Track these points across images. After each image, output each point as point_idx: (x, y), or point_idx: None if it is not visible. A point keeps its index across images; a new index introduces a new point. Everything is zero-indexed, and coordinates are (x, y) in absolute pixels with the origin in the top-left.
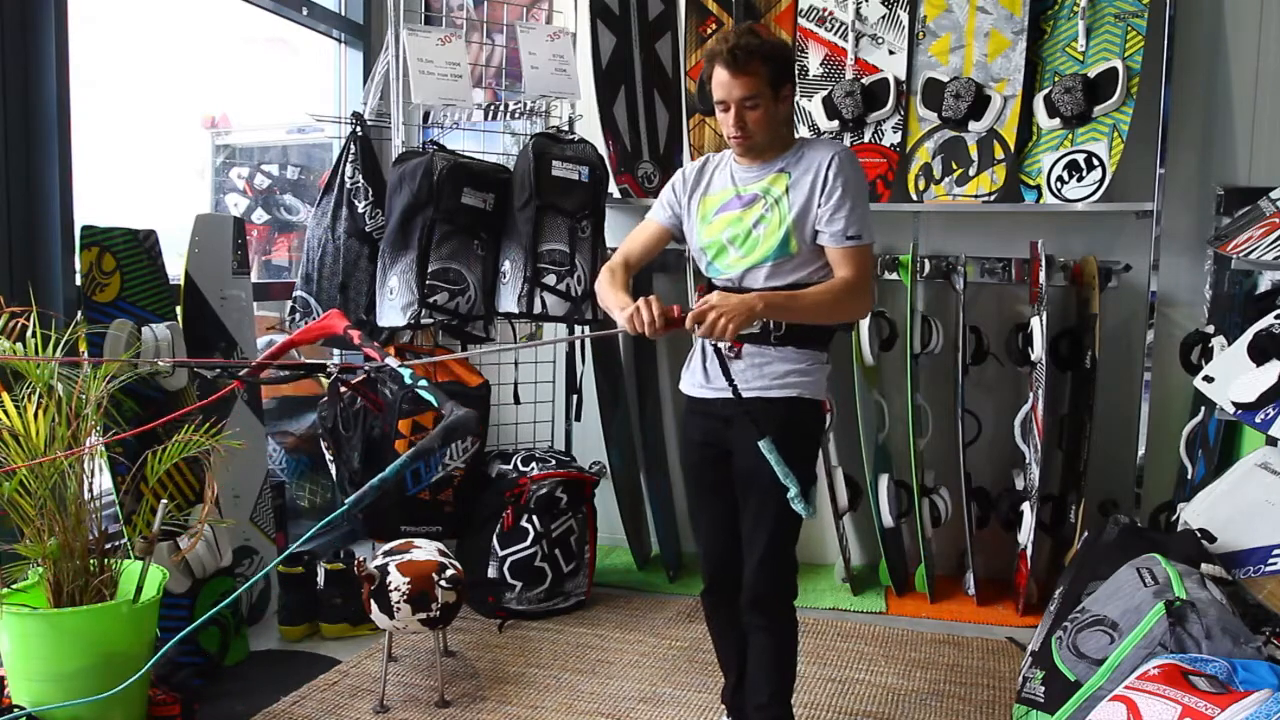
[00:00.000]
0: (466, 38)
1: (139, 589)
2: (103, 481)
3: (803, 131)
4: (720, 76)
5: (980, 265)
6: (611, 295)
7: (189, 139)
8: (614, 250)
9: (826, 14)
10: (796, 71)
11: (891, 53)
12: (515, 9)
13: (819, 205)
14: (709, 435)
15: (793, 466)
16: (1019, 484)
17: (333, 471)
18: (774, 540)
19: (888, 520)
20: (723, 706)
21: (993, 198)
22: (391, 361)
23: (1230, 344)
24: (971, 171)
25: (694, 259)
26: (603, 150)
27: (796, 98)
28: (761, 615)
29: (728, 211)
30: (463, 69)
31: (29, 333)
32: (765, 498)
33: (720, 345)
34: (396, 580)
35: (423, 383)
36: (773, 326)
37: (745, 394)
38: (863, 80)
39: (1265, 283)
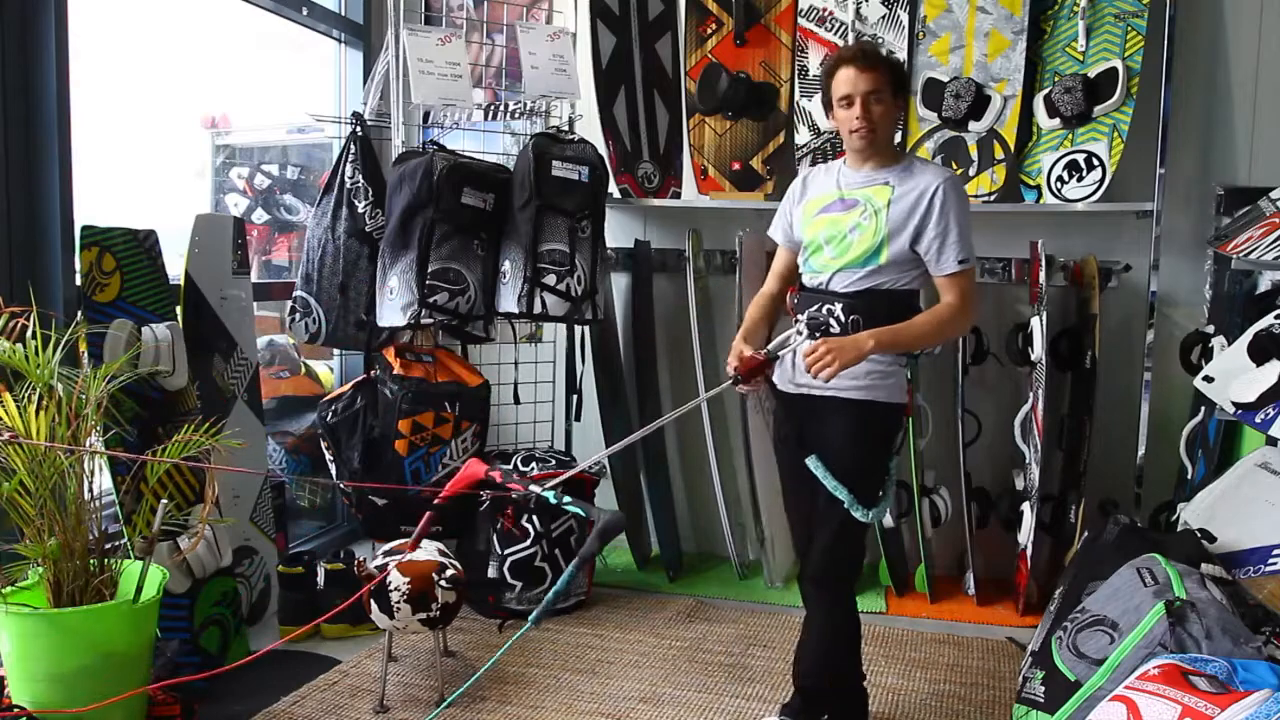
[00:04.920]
0: (466, 38)
1: (139, 589)
2: (103, 481)
3: (802, 132)
4: (846, 74)
5: (980, 265)
6: (741, 331)
7: (189, 139)
8: (614, 251)
9: (826, 14)
10: (803, 73)
11: (892, 53)
12: (515, 9)
13: (922, 232)
14: (791, 425)
15: (862, 467)
16: (1019, 484)
17: (333, 471)
18: (841, 528)
19: (888, 520)
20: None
21: (993, 198)
22: (534, 488)
23: (1230, 344)
24: (971, 171)
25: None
26: (603, 150)
27: (798, 98)
28: (820, 590)
29: (829, 213)
30: (463, 69)
31: (29, 333)
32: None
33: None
34: (396, 580)
35: (567, 499)
36: (851, 328)
37: (821, 392)
38: None
39: (1265, 283)
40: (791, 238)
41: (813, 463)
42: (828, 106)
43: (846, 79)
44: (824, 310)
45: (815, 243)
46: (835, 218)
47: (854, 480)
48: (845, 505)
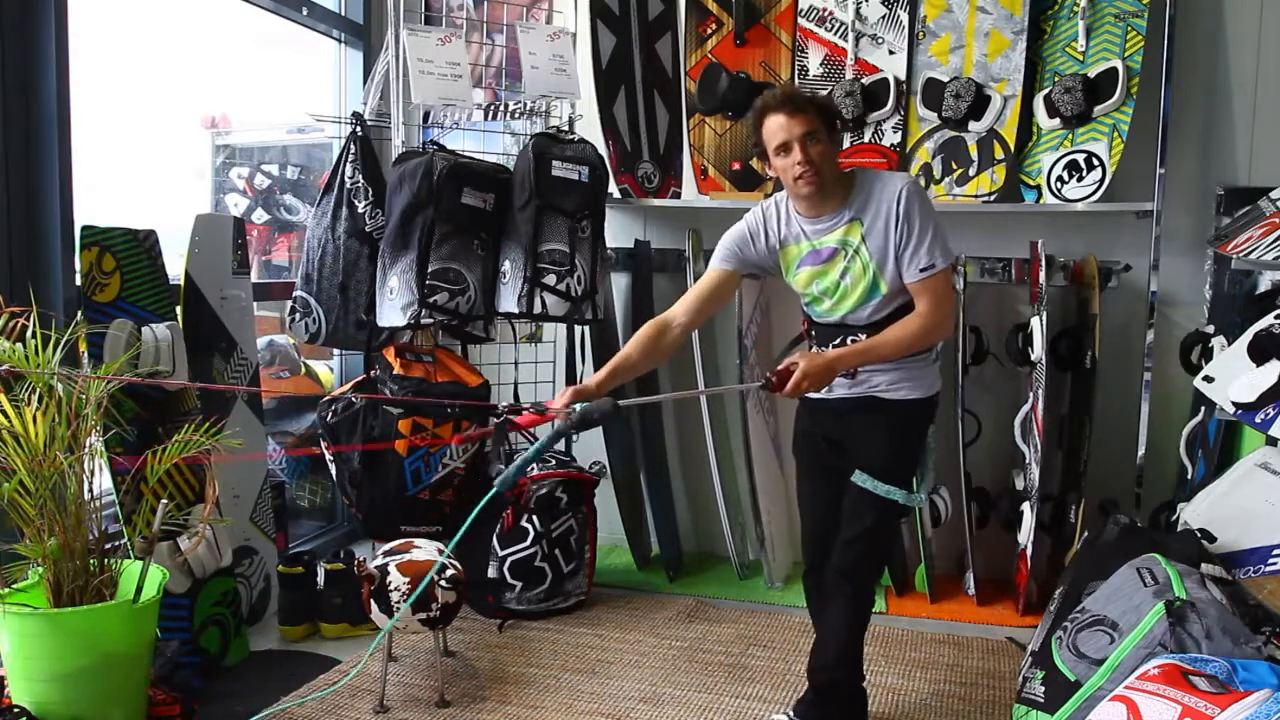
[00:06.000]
0: (466, 38)
1: (139, 589)
2: (103, 481)
3: None
4: (777, 121)
5: (980, 265)
6: (609, 366)
7: (189, 139)
8: (614, 251)
9: (826, 14)
10: (803, 73)
11: (891, 53)
12: (515, 9)
13: (897, 244)
14: (822, 427)
15: (900, 458)
16: (1019, 484)
17: (332, 471)
18: (875, 524)
19: None
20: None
21: (993, 198)
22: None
23: (1230, 344)
24: (971, 171)
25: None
26: (603, 150)
27: None
28: (847, 583)
29: (808, 267)
30: (463, 69)
31: (29, 333)
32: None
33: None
34: (396, 580)
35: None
36: None
37: (855, 394)
38: (863, 80)
39: (1265, 283)
40: (745, 262)
41: (860, 478)
42: (763, 158)
43: (778, 125)
44: (848, 340)
45: (811, 294)
46: (820, 270)
47: (891, 473)
48: (900, 503)
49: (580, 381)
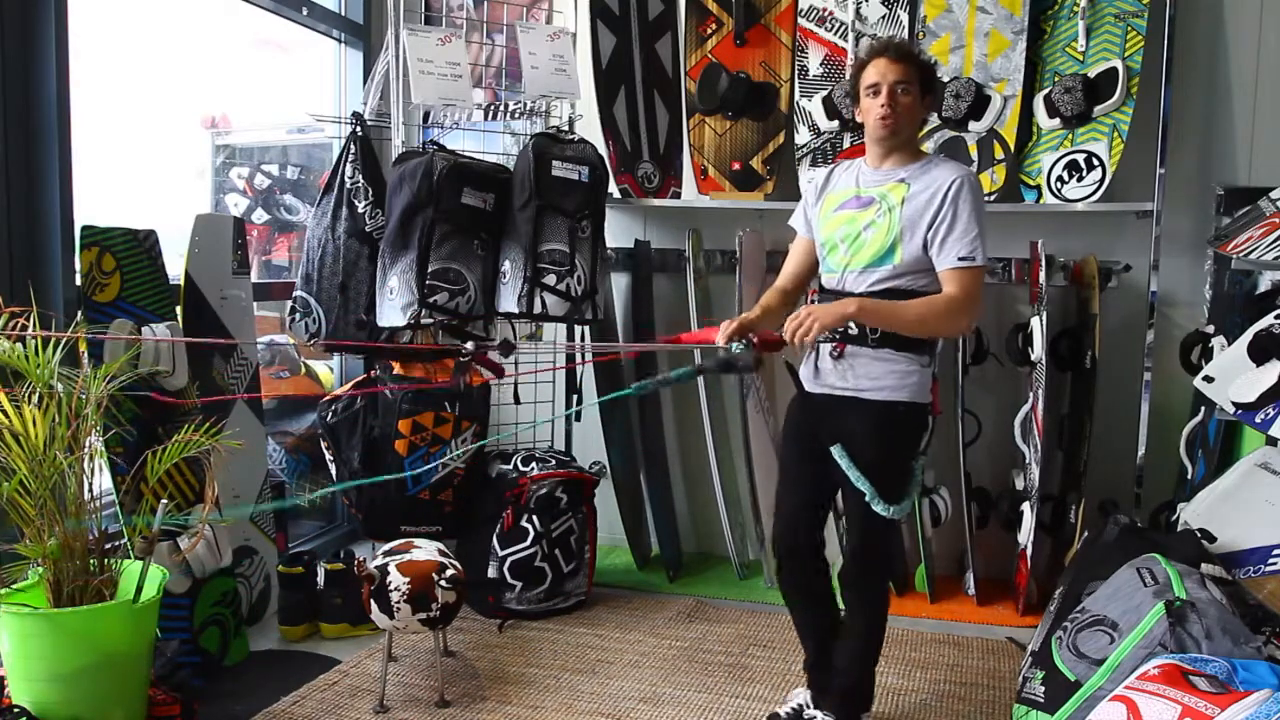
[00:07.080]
0: (466, 38)
1: (139, 589)
2: (103, 481)
3: (802, 133)
4: (877, 66)
5: None
6: (758, 307)
7: (189, 139)
8: (614, 251)
9: (826, 14)
10: (803, 73)
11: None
12: (515, 9)
13: (934, 225)
14: (807, 422)
15: (883, 466)
16: (1019, 484)
17: (333, 471)
18: (867, 529)
19: None
20: (804, 675)
21: (993, 198)
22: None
23: (1230, 344)
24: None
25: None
26: (603, 150)
27: (798, 98)
28: (852, 592)
29: (845, 210)
30: (463, 69)
31: (28, 333)
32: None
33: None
34: (396, 580)
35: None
36: (869, 329)
37: (841, 392)
38: None
39: (1265, 283)
40: (810, 233)
41: (837, 451)
42: (855, 100)
43: (876, 69)
44: None
45: (831, 241)
46: (851, 215)
47: (874, 477)
48: (866, 499)
49: (580, 382)
